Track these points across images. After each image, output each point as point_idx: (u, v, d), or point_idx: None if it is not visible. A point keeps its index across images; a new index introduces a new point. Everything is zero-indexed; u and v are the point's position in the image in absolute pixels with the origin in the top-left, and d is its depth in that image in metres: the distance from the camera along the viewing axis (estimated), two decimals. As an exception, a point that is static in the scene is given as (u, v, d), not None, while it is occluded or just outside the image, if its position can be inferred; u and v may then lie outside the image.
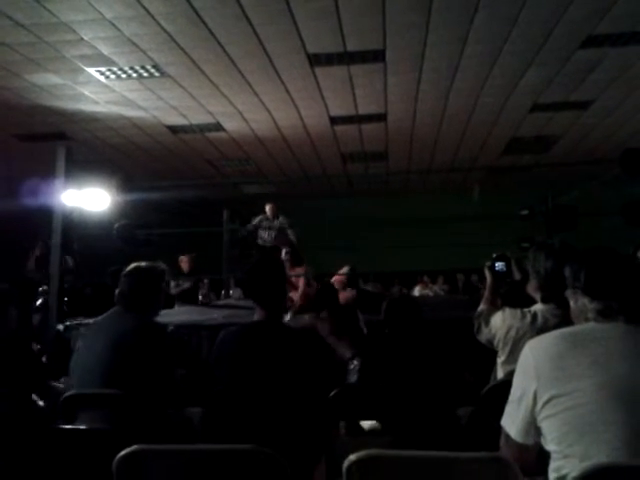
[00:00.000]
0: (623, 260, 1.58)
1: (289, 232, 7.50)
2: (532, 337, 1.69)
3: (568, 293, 1.63)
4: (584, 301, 1.56)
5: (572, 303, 1.62)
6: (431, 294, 9.97)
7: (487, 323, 2.58)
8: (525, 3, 5.11)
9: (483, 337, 2.61)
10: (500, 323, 2.50)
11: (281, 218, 7.65)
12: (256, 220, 7.79)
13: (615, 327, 1.49)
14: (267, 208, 7.56)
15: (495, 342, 2.54)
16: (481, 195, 11.94)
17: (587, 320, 1.55)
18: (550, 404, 1.42)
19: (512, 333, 2.43)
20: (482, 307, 2.73)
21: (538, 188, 9.82)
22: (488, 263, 2.89)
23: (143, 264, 2.67)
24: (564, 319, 1.83)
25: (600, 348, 1.45)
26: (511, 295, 2.98)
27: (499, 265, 2.87)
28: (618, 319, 1.49)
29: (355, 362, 2.94)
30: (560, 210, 5.37)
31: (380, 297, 4.32)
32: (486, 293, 2.83)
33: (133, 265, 2.65)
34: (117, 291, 2.56)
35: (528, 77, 6.87)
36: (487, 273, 2.87)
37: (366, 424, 2.65)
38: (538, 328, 2.32)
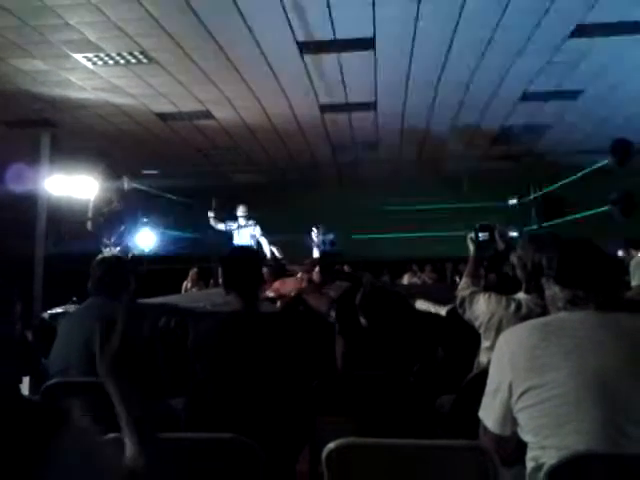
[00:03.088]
0: (597, 252, 1.58)
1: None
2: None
3: (543, 281, 1.64)
4: (555, 290, 1.57)
5: (547, 291, 1.63)
6: (419, 282, 10.08)
7: (471, 304, 2.59)
8: (515, -9, 5.10)
9: (465, 315, 2.63)
10: (484, 308, 2.51)
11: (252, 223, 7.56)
12: (234, 226, 7.71)
13: (586, 316, 1.49)
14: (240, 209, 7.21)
15: (477, 324, 2.56)
16: (470, 184, 11.96)
17: (559, 309, 1.55)
18: (526, 396, 1.42)
19: (495, 320, 2.45)
20: (465, 280, 2.72)
21: (527, 178, 9.87)
22: (471, 234, 2.87)
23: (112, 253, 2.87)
24: (546, 309, 1.84)
25: (573, 338, 1.44)
26: (494, 265, 2.98)
27: (482, 235, 2.84)
28: (589, 307, 1.49)
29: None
30: (548, 200, 5.41)
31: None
32: (469, 265, 2.81)
33: (101, 256, 2.86)
34: (90, 281, 2.65)
35: (518, 66, 6.84)
36: (470, 244, 2.86)
37: None
38: (522, 316, 2.33)
